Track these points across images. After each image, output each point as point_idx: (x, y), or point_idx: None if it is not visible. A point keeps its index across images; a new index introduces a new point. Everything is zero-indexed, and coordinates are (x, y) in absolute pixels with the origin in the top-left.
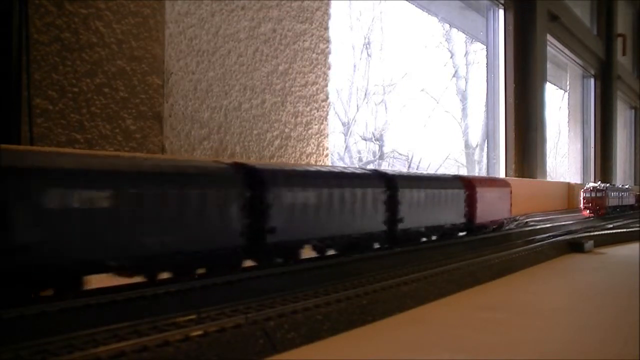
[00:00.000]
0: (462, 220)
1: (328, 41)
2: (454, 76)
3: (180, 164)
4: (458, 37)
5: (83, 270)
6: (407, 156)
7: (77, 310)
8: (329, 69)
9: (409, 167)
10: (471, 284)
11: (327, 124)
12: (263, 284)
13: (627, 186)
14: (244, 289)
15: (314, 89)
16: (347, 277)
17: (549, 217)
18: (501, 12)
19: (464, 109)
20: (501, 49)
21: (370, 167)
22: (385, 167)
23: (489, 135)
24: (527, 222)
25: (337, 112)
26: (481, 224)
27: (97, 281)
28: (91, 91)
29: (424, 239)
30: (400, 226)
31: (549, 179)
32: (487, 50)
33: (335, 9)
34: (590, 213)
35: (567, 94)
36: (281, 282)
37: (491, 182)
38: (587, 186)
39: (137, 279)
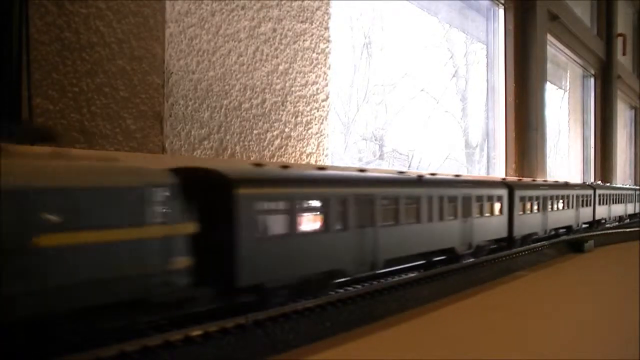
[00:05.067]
0: None
1: (328, 41)
2: (454, 76)
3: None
4: (458, 37)
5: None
6: (407, 156)
7: None
8: (329, 68)
9: (409, 166)
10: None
11: (327, 124)
12: None
13: (626, 185)
14: None
15: (314, 88)
16: None
17: None
18: (501, 11)
19: (464, 109)
20: (501, 49)
21: (372, 166)
22: (386, 167)
23: (489, 135)
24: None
25: (337, 112)
26: None
27: None
28: (91, 91)
29: None
30: None
31: (548, 178)
32: (487, 50)
33: (335, 8)
34: None
35: (567, 93)
36: None
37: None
38: None
39: None
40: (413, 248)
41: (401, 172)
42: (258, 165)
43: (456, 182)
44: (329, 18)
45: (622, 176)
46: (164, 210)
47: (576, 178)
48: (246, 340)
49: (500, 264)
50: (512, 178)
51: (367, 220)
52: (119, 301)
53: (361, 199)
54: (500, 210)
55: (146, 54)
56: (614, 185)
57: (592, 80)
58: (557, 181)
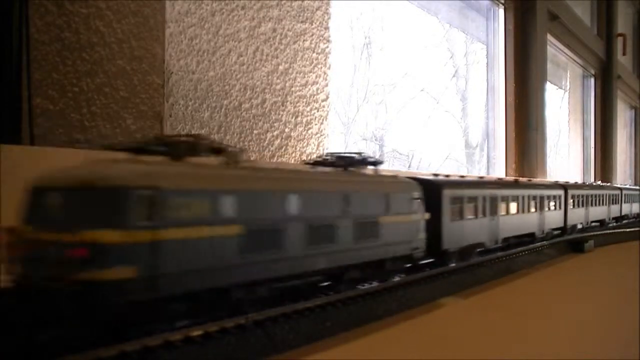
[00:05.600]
0: None
1: (328, 41)
2: (454, 76)
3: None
4: (458, 37)
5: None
6: (407, 156)
7: None
8: (329, 68)
9: (409, 166)
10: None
11: (327, 124)
12: None
13: (627, 185)
14: None
15: (314, 88)
16: None
17: None
18: (501, 11)
19: (464, 109)
20: (501, 48)
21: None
22: (386, 167)
23: (489, 135)
24: None
25: (337, 112)
26: None
27: None
28: (91, 91)
29: None
30: None
31: (548, 178)
32: (487, 50)
33: (335, 8)
34: None
35: (567, 93)
36: None
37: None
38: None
39: None
40: (515, 230)
41: (501, 179)
42: (436, 175)
43: (534, 185)
44: (329, 18)
45: (622, 176)
46: (418, 205)
47: (576, 178)
48: (246, 340)
49: (500, 264)
50: (563, 181)
51: (494, 211)
52: (399, 255)
53: (492, 197)
54: (559, 206)
55: (146, 54)
56: (636, 187)
57: (592, 80)
58: (594, 183)
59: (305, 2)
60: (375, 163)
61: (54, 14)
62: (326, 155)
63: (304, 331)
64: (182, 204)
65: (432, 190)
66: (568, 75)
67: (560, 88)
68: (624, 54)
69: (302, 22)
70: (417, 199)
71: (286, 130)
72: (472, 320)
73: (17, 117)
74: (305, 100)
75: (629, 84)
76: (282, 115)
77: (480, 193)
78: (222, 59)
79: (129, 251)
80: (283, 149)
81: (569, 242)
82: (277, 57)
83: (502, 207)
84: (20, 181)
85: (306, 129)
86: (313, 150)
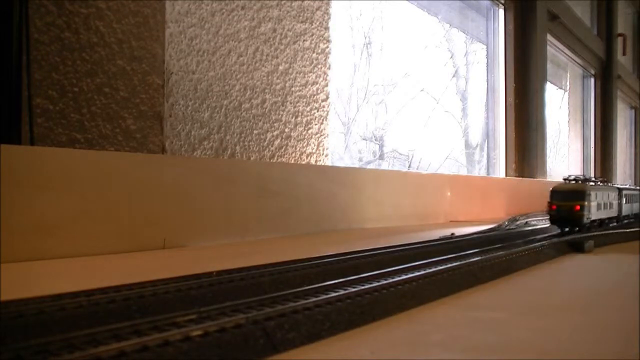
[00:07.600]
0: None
1: (328, 41)
2: (454, 76)
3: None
4: (458, 37)
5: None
6: (407, 156)
7: None
8: (329, 68)
9: (409, 167)
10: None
11: (327, 124)
12: None
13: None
14: None
15: (314, 88)
16: None
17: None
18: (501, 11)
19: (464, 109)
20: (501, 49)
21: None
22: (385, 166)
23: (489, 135)
24: (527, 222)
25: (337, 112)
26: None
27: None
28: (91, 91)
29: None
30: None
31: (548, 178)
32: (487, 50)
33: (335, 8)
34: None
35: (567, 93)
36: None
37: None
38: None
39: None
40: (630, 211)
41: (615, 185)
42: (620, 184)
43: (627, 188)
44: (329, 18)
45: (622, 176)
46: (618, 196)
47: None
48: (246, 340)
49: (500, 264)
50: None
51: (620, 202)
52: (614, 217)
53: (626, 194)
54: None
55: (146, 54)
56: None
57: (592, 80)
58: None
59: (305, 2)
60: (603, 181)
61: (54, 14)
62: (572, 177)
63: (304, 331)
64: (593, 195)
65: (619, 191)
66: (568, 75)
67: (560, 88)
68: (624, 54)
69: (302, 22)
70: (617, 194)
71: (286, 130)
72: (471, 320)
73: (17, 117)
74: (305, 100)
75: (629, 84)
76: (282, 115)
77: (625, 192)
78: (222, 59)
79: (587, 207)
80: (283, 149)
81: (568, 242)
82: (277, 57)
83: (623, 199)
84: (19, 181)
85: (306, 129)
86: (313, 150)
